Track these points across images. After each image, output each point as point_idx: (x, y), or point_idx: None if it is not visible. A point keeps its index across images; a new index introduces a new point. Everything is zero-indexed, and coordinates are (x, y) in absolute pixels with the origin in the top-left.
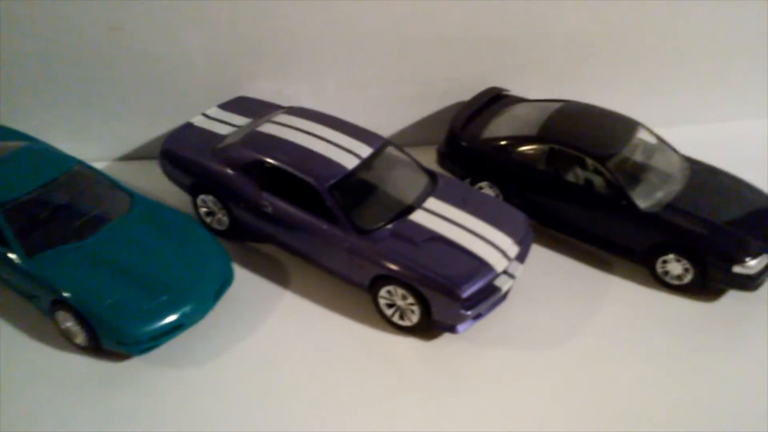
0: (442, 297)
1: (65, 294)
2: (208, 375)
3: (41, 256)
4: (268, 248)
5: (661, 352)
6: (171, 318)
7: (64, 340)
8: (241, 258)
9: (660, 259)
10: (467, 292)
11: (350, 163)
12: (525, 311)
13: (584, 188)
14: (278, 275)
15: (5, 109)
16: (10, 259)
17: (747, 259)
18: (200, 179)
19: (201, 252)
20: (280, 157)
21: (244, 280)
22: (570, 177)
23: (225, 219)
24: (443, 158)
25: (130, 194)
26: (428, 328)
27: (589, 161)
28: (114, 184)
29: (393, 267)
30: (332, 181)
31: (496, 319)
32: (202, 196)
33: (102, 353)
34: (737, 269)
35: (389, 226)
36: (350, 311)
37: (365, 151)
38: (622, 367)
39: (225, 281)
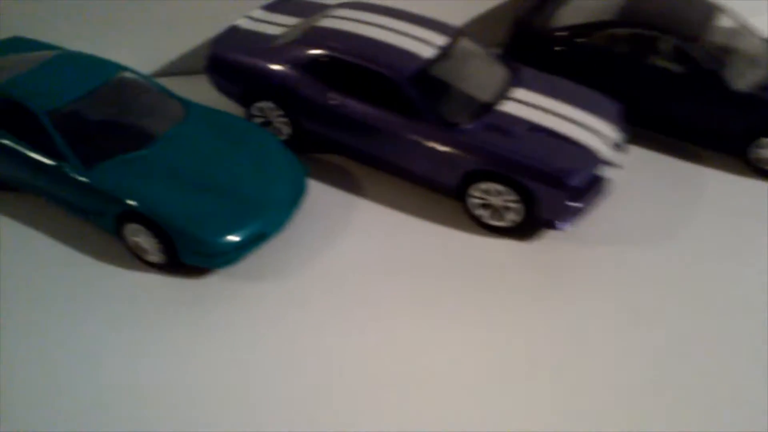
0: (548, 188)
1: (133, 203)
2: (293, 288)
3: (100, 167)
4: (335, 158)
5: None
6: (254, 225)
7: (132, 261)
8: (310, 170)
9: (754, 144)
10: (575, 181)
11: (428, 52)
12: (623, 210)
13: (671, 72)
14: (352, 186)
15: (25, 20)
16: (65, 173)
17: None
18: (255, 84)
19: (270, 157)
20: (350, 50)
21: (317, 192)
22: (655, 62)
23: (285, 129)
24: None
25: (183, 102)
26: (524, 227)
27: (677, 42)
28: (164, 91)
29: (491, 160)
30: (412, 72)
31: (596, 217)
32: (258, 104)
33: (173, 272)
34: None
35: (481, 118)
36: (436, 218)
37: (442, 40)
38: (729, 266)
39: (300, 188)
